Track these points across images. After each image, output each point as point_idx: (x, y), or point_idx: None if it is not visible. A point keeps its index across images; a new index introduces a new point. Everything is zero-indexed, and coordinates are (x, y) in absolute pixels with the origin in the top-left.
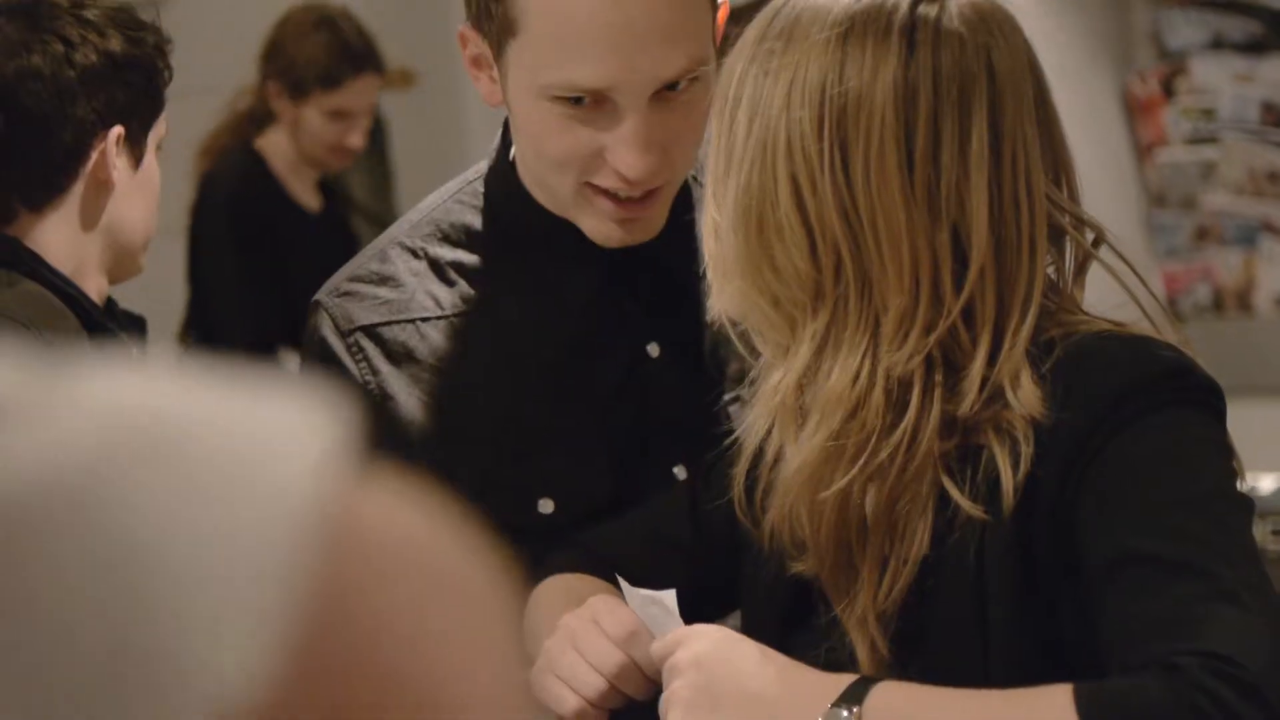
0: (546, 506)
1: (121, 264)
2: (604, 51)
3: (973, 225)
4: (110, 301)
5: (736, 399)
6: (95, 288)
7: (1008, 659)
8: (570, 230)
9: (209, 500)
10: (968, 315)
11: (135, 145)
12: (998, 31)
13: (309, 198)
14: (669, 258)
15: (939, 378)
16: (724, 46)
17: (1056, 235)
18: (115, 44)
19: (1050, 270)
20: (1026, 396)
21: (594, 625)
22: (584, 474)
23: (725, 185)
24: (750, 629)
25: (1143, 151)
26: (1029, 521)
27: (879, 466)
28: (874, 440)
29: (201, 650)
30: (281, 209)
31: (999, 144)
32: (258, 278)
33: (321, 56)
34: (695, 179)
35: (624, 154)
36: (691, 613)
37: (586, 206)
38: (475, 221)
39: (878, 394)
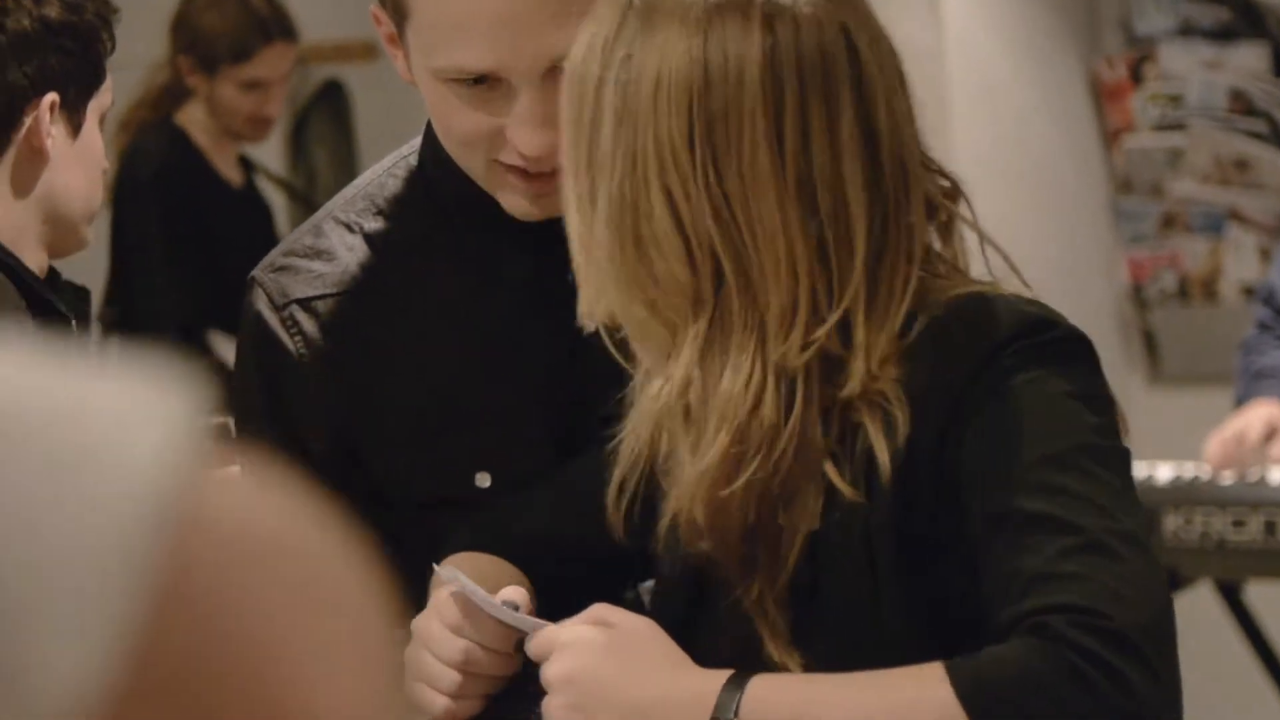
0: (484, 480)
1: (63, 237)
2: (489, 35)
3: (850, 212)
4: (53, 272)
5: None
6: (34, 260)
7: (902, 628)
8: (501, 208)
9: (49, 491)
10: (850, 304)
11: (73, 114)
12: (850, 9)
13: (231, 172)
14: None
15: (819, 367)
16: None
17: (933, 204)
18: (51, 10)
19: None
20: (886, 370)
21: (435, 620)
22: (520, 448)
23: (592, 197)
24: (658, 614)
25: (1110, 138)
26: (909, 490)
27: (776, 460)
28: (772, 435)
29: (41, 649)
30: (205, 184)
31: (869, 123)
32: (184, 254)
33: (229, 29)
34: None
35: (521, 133)
36: (614, 582)
37: (498, 182)
38: (410, 195)
39: (769, 391)
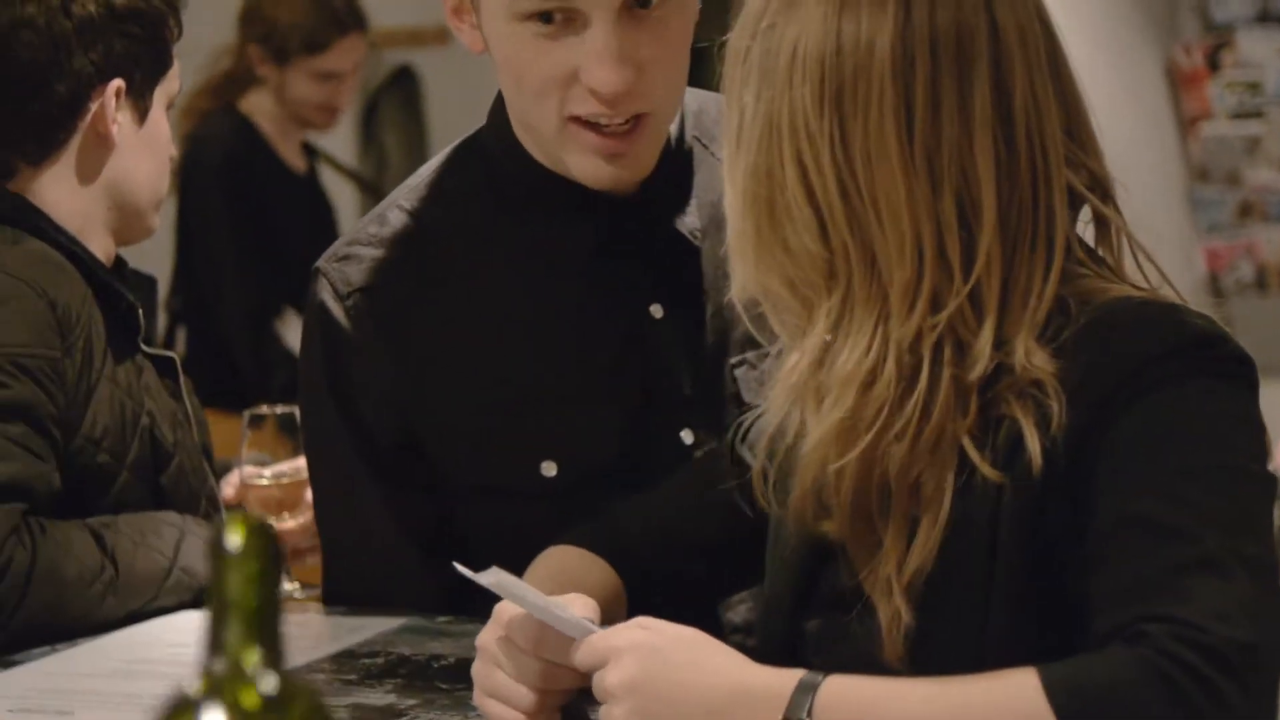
0: (550, 469)
1: (130, 225)
2: None
3: (979, 192)
4: (120, 260)
5: (743, 363)
6: (101, 248)
7: (1009, 620)
8: (568, 187)
9: None
10: (975, 285)
11: (139, 100)
12: None
13: (295, 159)
14: (670, 218)
15: (948, 348)
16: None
17: (1077, 196)
18: None
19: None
20: (1039, 361)
21: (507, 640)
22: (587, 437)
23: (735, 167)
24: (770, 600)
25: (1187, 125)
26: (1047, 485)
27: (894, 437)
28: (886, 413)
29: None
30: (271, 171)
31: (1006, 102)
32: (250, 241)
33: (304, 20)
34: (699, 140)
35: (595, 69)
36: (719, 585)
37: (571, 144)
38: (473, 182)
39: (889, 368)
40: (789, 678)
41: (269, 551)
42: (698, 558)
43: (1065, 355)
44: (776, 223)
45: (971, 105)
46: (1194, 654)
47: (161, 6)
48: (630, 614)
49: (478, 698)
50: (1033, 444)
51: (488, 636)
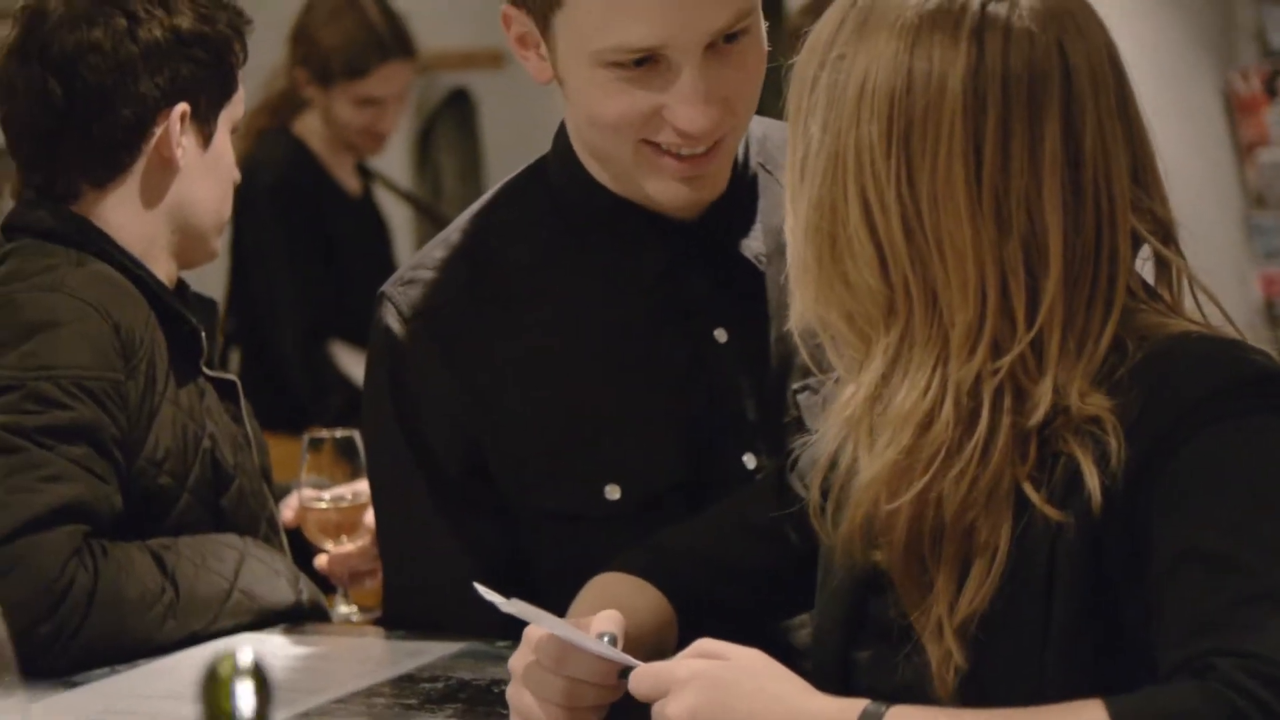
0: (613, 493)
1: (193, 248)
2: (654, 10)
3: (1046, 236)
4: (182, 284)
5: (805, 388)
6: (165, 271)
7: (1065, 658)
8: (635, 212)
9: None
10: (1038, 332)
11: (204, 124)
12: (1071, 24)
13: (350, 181)
14: (735, 242)
15: (1008, 395)
16: (794, 45)
17: (1139, 238)
18: (184, 21)
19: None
20: (1094, 400)
21: (533, 661)
22: (651, 461)
23: (799, 196)
24: (819, 630)
25: (1244, 151)
26: (1105, 521)
27: (951, 480)
28: (944, 456)
29: None
30: (324, 193)
31: (1076, 146)
32: (305, 264)
33: (346, 44)
34: (764, 167)
35: (684, 110)
36: (765, 611)
37: (648, 169)
38: (538, 208)
39: (947, 409)
40: (852, 709)
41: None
42: (743, 584)
43: (1121, 391)
44: (837, 256)
45: (1041, 150)
46: (1262, 687)
47: (227, 31)
48: (682, 639)
49: (512, 718)
50: (1091, 481)
51: (517, 659)
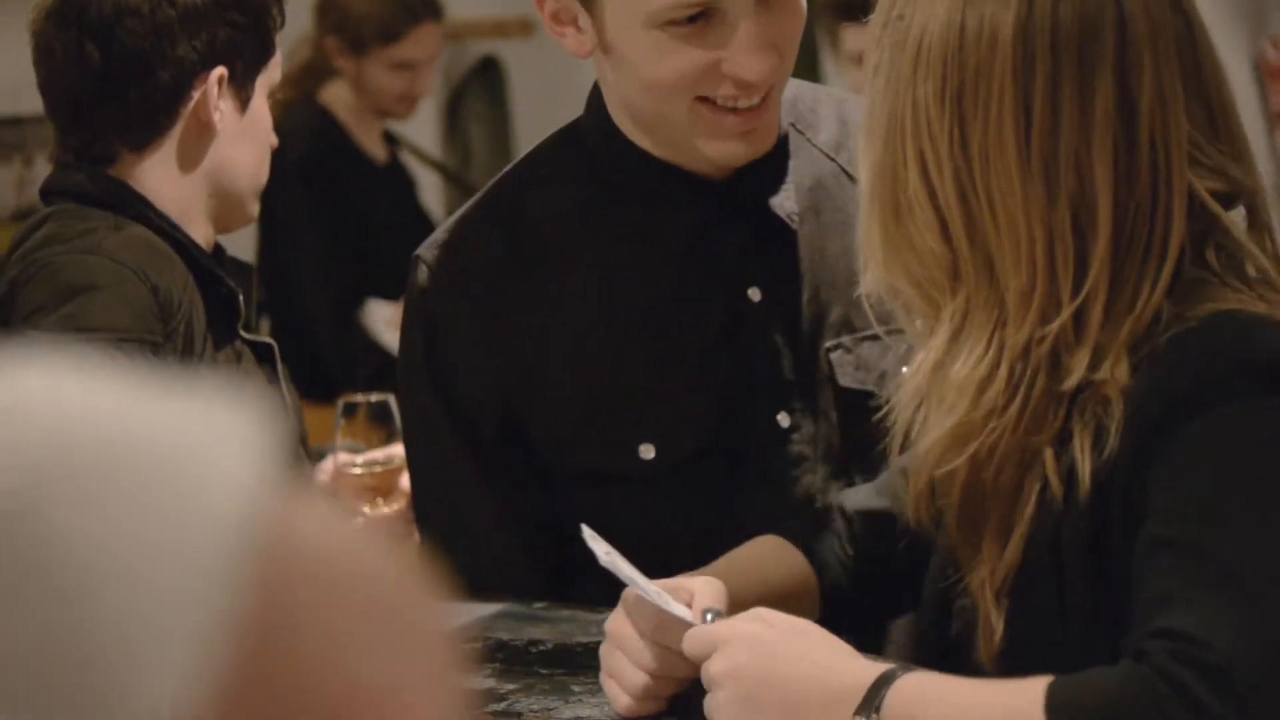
0: (648, 452)
1: (230, 212)
2: None
3: (1095, 198)
4: (218, 248)
5: (839, 345)
6: (202, 234)
7: (1086, 629)
8: (669, 173)
9: (146, 516)
10: (1084, 300)
11: (241, 88)
12: None
13: (376, 148)
14: (766, 201)
15: (1049, 358)
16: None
17: (1196, 198)
18: None
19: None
20: (1120, 375)
21: (627, 623)
22: (685, 420)
23: (865, 161)
24: (923, 603)
25: (1274, 120)
26: (1103, 504)
27: (994, 442)
28: (994, 418)
29: (139, 668)
30: (352, 162)
31: (1131, 104)
32: (335, 232)
33: (378, 11)
34: (794, 127)
35: (745, 60)
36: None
37: (705, 129)
38: (572, 169)
39: (1001, 375)
40: (874, 671)
41: None
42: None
43: (1140, 371)
44: (901, 221)
45: (1092, 110)
46: (1188, 670)
47: None
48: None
49: (602, 677)
50: (1083, 467)
51: (614, 620)
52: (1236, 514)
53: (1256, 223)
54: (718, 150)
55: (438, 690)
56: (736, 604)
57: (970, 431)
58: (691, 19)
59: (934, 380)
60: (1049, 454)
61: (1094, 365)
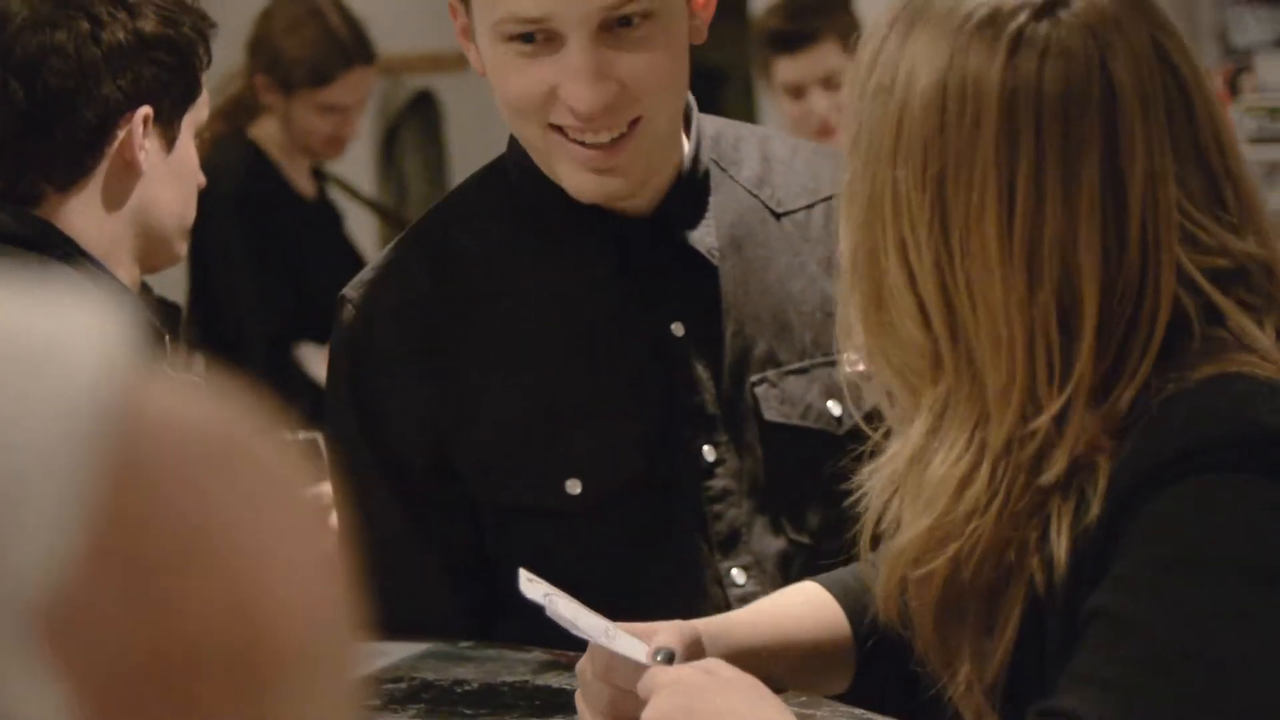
0: (574, 487)
1: (156, 251)
2: None
3: (1081, 289)
4: (145, 288)
5: (763, 380)
6: (128, 275)
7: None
8: (586, 209)
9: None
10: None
11: (167, 127)
12: (1116, 36)
13: (305, 184)
14: (687, 237)
15: (1031, 456)
16: (758, 45)
17: (1185, 275)
18: (147, 24)
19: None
20: (1105, 443)
21: (588, 664)
22: (611, 455)
23: (845, 241)
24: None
25: None
26: (1081, 572)
27: (976, 542)
28: (975, 518)
29: (3, 548)
30: (283, 199)
31: (1120, 186)
32: (266, 269)
33: (309, 52)
34: (717, 164)
35: (571, 86)
36: None
37: (559, 155)
38: (497, 204)
39: (983, 475)
40: None
41: None
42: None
43: (1128, 435)
44: (882, 307)
45: (1079, 194)
46: None
47: (191, 34)
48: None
49: None
50: (1059, 549)
51: (581, 660)
52: (1184, 590)
53: (1219, 305)
54: (572, 182)
55: (317, 560)
56: (747, 653)
57: (950, 531)
58: (529, 38)
59: (910, 472)
60: (1032, 546)
61: (1074, 451)
